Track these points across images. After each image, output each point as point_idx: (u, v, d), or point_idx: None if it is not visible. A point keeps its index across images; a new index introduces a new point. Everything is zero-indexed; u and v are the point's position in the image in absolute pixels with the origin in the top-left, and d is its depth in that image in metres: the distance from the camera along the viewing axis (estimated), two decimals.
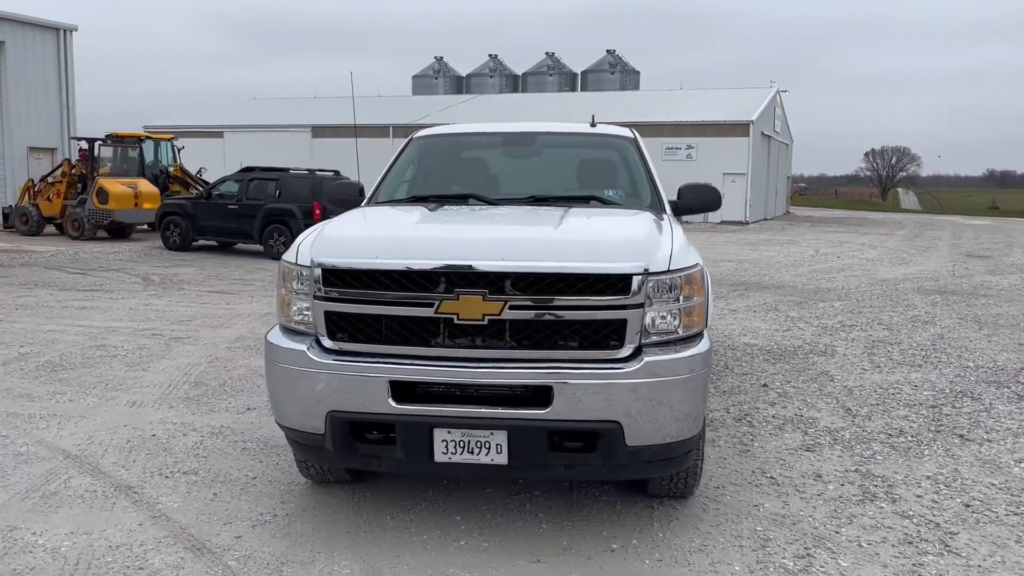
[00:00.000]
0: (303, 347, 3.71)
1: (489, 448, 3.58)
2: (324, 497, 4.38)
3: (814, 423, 5.76)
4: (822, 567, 3.67)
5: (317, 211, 16.23)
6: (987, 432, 5.59)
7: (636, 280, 3.53)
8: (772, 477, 4.72)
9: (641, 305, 3.55)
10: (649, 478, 4.14)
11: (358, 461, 3.85)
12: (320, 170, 18.36)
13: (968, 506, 4.34)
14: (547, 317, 3.51)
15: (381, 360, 3.61)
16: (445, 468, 3.66)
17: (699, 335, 3.76)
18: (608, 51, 53.17)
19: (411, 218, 4.33)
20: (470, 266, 3.51)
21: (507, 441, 3.55)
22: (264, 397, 6.24)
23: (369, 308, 3.60)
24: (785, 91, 39.17)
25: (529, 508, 4.27)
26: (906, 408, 6.18)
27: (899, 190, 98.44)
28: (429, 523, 4.07)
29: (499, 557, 3.74)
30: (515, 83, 55.39)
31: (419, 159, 5.48)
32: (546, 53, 54.85)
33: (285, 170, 18.24)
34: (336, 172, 18.79)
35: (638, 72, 53.70)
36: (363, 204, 5.02)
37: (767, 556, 3.78)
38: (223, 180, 18.89)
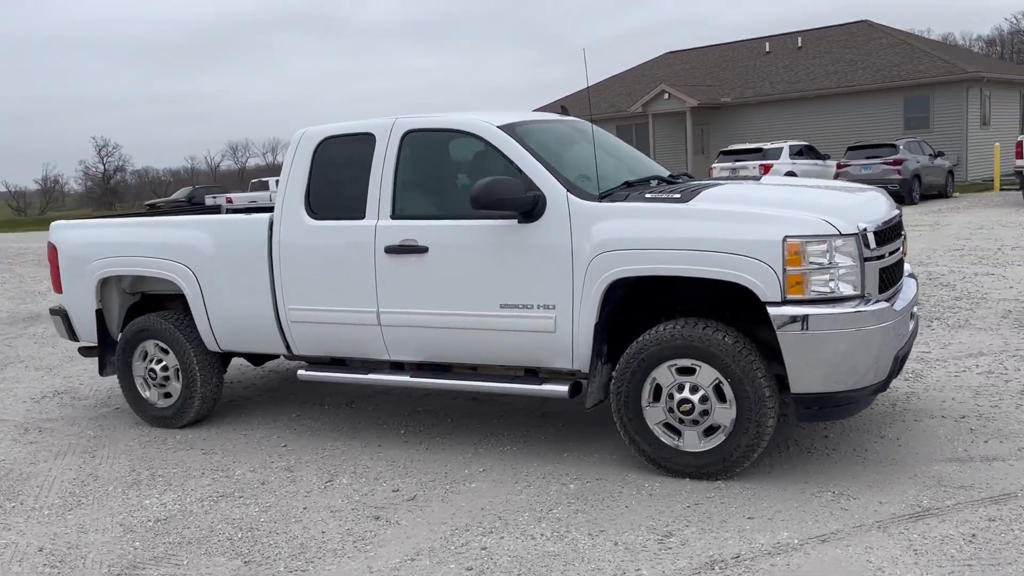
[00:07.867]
0: (883, 306, 4.13)
1: None
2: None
3: None
4: None
5: None
6: None
7: None
8: None
9: None
10: None
11: None
12: None
13: None
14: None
15: (890, 300, 4.35)
16: None
17: None
18: None
19: (791, 187, 5.11)
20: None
21: None
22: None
23: (884, 261, 4.33)
24: None
25: None
26: None
27: None
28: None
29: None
30: None
31: (541, 146, 4.95)
32: None
33: None
34: None
35: None
36: (576, 196, 4.55)
37: None
38: None
